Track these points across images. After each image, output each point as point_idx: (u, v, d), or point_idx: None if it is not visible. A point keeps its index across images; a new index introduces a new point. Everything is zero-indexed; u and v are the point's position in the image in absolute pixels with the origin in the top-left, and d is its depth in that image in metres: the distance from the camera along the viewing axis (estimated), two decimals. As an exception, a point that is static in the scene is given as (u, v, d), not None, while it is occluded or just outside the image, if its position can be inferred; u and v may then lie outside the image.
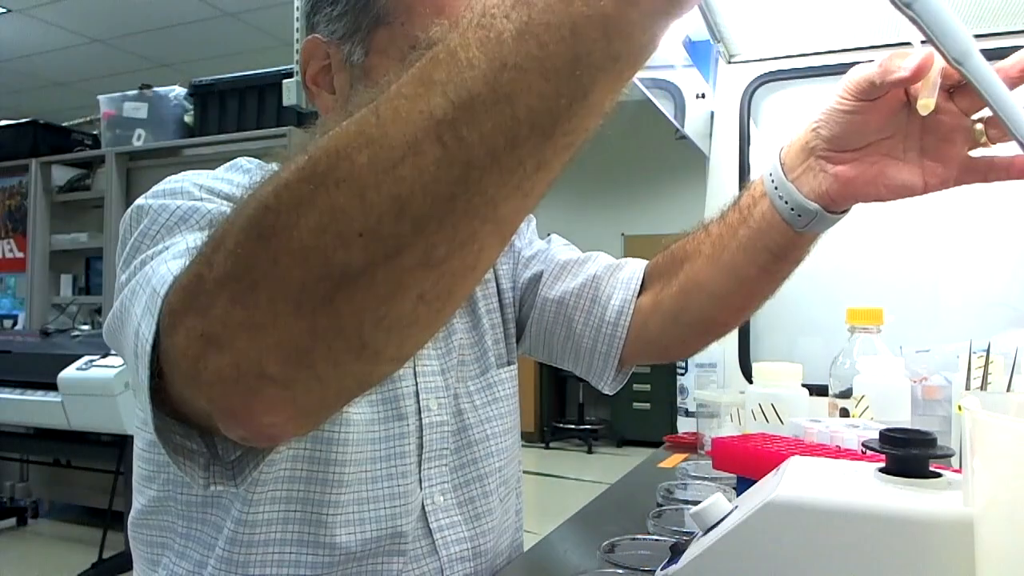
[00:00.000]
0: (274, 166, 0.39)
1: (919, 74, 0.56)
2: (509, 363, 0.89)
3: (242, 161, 0.74)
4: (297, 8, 2.92)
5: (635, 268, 0.87)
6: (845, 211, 0.69)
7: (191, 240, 0.54)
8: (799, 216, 0.68)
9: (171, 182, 0.66)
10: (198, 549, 0.70)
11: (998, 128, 0.57)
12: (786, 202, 0.68)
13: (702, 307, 0.80)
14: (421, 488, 0.76)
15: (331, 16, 0.71)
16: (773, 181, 0.69)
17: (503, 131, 0.33)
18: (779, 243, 0.71)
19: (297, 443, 0.69)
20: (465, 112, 0.33)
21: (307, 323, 0.37)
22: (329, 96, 0.73)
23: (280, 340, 0.38)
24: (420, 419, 0.76)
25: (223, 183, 0.66)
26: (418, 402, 0.76)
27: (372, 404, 0.73)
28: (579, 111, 0.35)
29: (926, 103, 0.57)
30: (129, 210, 0.64)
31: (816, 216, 0.68)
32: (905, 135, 0.63)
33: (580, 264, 0.90)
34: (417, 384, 0.77)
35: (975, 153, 0.61)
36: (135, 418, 0.74)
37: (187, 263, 0.43)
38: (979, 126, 0.60)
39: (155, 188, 0.65)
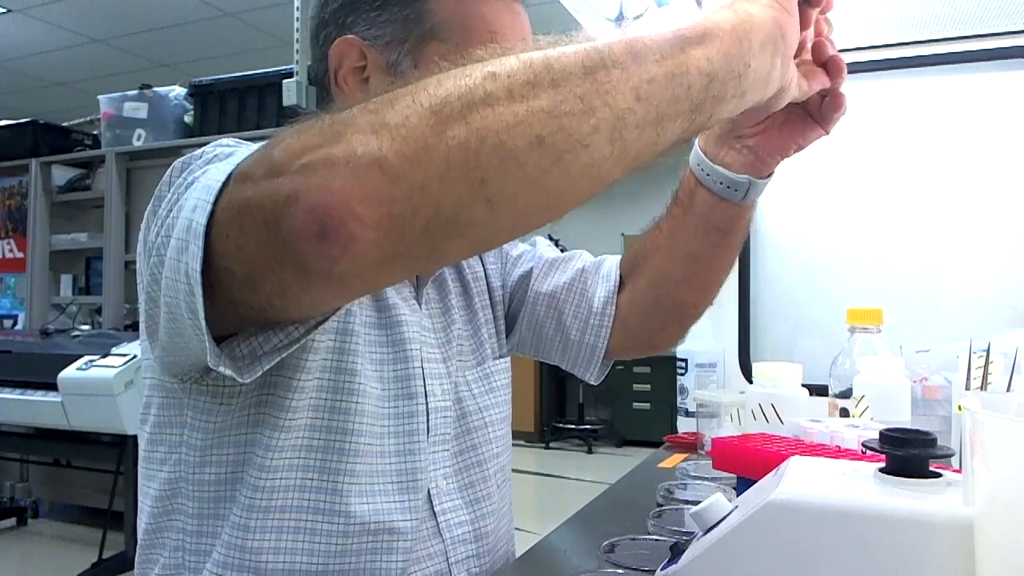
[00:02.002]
0: None
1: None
2: (502, 356, 0.93)
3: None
4: (297, 8, 2.92)
5: (612, 263, 0.93)
6: (771, 173, 0.79)
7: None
8: (735, 191, 0.77)
9: (214, 143, 0.66)
10: (217, 524, 0.70)
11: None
12: (720, 183, 0.77)
13: (672, 295, 0.88)
14: (427, 471, 0.77)
15: (373, 20, 0.71)
16: (703, 169, 0.78)
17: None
18: (724, 219, 0.80)
19: (314, 413, 0.69)
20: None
21: (437, 129, 0.42)
22: (363, 97, 0.73)
23: (407, 136, 0.42)
24: (427, 402, 0.78)
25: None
26: (424, 386, 0.78)
27: (384, 381, 0.75)
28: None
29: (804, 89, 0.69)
30: (174, 163, 0.64)
31: (749, 185, 0.77)
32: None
33: (567, 260, 0.95)
34: (423, 369, 0.78)
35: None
36: (144, 392, 0.74)
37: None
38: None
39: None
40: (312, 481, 0.69)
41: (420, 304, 0.81)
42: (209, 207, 0.47)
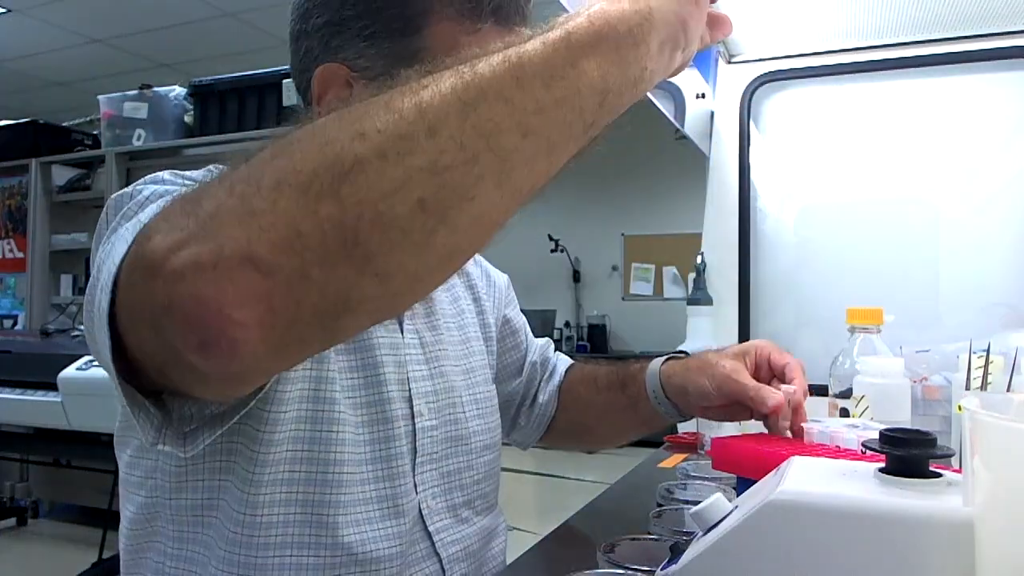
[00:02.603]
0: None
1: (775, 411, 0.81)
2: (492, 382, 0.95)
3: (214, 168, 0.76)
4: (297, 8, 2.93)
5: (561, 368, 1.08)
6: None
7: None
8: (675, 417, 0.96)
9: (151, 176, 0.65)
10: (195, 549, 0.69)
11: None
12: (667, 412, 0.95)
13: (584, 442, 1.14)
14: (416, 492, 0.77)
15: (362, 50, 0.67)
16: (656, 398, 0.94)
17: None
18: (657, 422, 0.97)
19: (294, 444, 0.69)
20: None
21: (308, 210, 0.38)
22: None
23: (276, 223, 0.38)
24: (413, 423, 0.77)
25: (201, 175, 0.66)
26: (411, 407, 0.77)
27: (358, 407, 0.74)
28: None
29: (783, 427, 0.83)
30: (108, 201, 0.62)
31: (686, 417, 0.96)
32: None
33: (543, 351, 1.08)
34: (410, 388, 0.78)
35: None
36: (119, 421, 0.74)
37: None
38: None
39: (139, 182, 0.65)
40: (298, 515, 0.68)
41: (402, 322, 0.81)
42: (109, 294, 0.44)
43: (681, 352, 0.98)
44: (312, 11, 0.69)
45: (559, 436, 1.07)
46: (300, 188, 0.38)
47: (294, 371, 0.68)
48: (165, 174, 0.64)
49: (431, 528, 0.77)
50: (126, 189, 0.61)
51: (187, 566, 0.69)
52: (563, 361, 1.09)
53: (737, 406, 0.86)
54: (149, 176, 0.65)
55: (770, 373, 0.88)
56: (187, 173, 0.65)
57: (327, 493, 0.69)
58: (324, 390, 0.70)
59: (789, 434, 0.82)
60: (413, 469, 0.77)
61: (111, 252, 0.46)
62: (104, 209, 0.61)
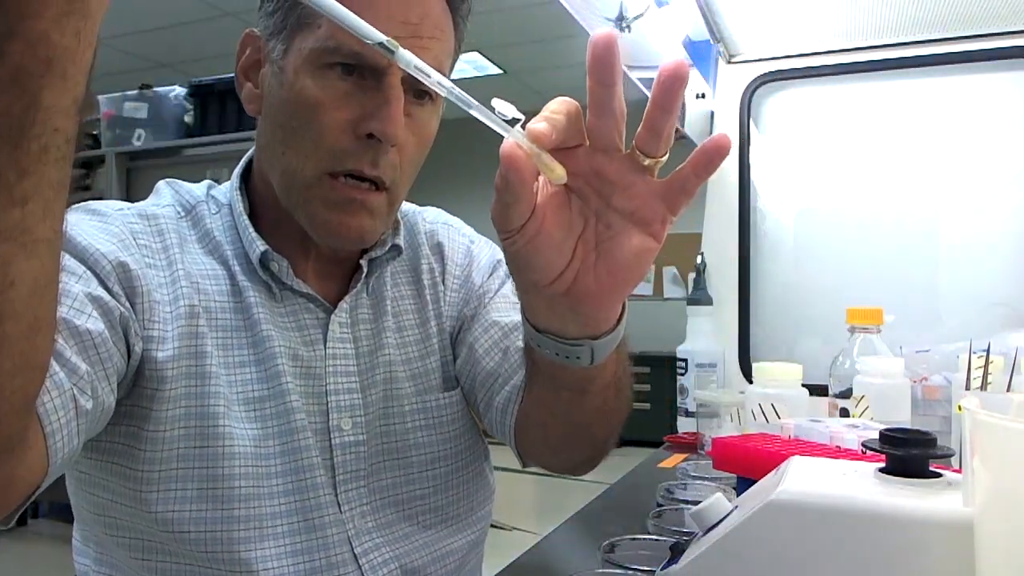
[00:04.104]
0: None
1: (510, 162, 0.47)
2: (453, 388, 0.84)
3: (160, 185, 0.79)
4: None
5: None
6: (616, 325, 0.59)
7: None
8: (577, 358, 0.59)
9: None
10: (111, 557, 0.72)
11: (645, 133, 0.49)
12: (557, 353, 0.60)
13: (549, 449, 0.80)
14: (341, 510, 0.73)
15: (266, 12, 0.71)
16: (534, 341, 0.61)
17: None
18: (574, 380, 0.65)
19: (181, 463, 0.67)
20: None
21: None
22: (253, 88, 0.73)
23: None
24: (329, 439, 0.73)
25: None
26: (326, 422, 0.73)
27: (256, 420, 0.71)
28: (40, 116, 0.36)
29: (557, 175, 0.49)
30: None
31: (592, 347, 0.59)
32: (595, 215, 0.52)
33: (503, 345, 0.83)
34: (327, 403, 0.74)
35: (662, 178, 0.52)
36: None
37: None
38: (638, 152, 0.50)
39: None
40: (202, 534, 0.67)
41: (326, 335, 0.75)
42: None
43: None
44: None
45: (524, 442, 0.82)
46: None
47: (171, 389, 0.67)
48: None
49: (357, 550, 0.73)
50: None
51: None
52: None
53: (585, 247, 0.53)
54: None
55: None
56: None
57: (222, 509, 0.67)
58: (208, 406, 0.68)
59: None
60: (335, 487, 0.73)
61: None
62: None
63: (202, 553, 0.67)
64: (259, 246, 0.72)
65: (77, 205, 0.70)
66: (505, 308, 0.84)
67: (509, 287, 0.87)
